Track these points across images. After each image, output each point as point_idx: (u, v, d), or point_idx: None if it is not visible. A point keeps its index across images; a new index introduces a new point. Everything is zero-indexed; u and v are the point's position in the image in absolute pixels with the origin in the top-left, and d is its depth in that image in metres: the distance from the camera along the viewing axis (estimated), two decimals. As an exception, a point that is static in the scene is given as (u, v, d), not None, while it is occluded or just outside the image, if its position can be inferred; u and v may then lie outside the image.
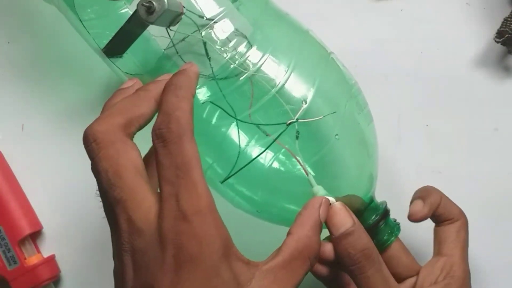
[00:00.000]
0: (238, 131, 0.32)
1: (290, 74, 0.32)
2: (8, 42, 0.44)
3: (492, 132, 0.43)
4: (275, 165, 0.32)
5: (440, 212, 0.35)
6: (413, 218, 0.35)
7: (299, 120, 0.31)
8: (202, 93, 0.33)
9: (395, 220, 0.36)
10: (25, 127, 0.43)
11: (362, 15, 0.45)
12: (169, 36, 0.33)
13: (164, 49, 0.34)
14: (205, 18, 0.33)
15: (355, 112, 0.34)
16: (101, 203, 0.31)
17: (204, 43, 0.33)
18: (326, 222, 0.31)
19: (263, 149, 0.31)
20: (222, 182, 0.33)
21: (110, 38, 0.33)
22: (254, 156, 0.31)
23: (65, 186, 0.42)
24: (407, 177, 0.43)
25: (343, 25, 0.45)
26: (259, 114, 0.32)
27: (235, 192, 0.34)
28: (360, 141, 0.35)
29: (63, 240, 0.42)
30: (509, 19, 0.41)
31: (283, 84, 0.32)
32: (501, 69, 0.44)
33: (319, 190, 0.31)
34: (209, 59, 0.32)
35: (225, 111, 0.32)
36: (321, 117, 0.32)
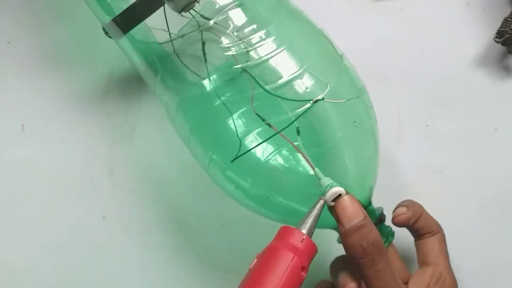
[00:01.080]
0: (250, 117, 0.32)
1: (311, 66, 0.33)
2: (8, 42, 0.44)
3: (492, 132, 0.43)
4: (279, 159, 0.32)
5: (420, 225, 0.36)
6: (397, 219, 0.36)
7: (325, 99, 0.32)
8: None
9: (389, 227, 0.36)
10: (25, 127, 0.43)
11: (362, 15, 0.45)
12: (169, 31, 0.33)
13: (174, 38, 0.34)
14: (217, 5, 0.33)
15: (368, 109, 0.35)
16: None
17: (203, 43, 0.33)
18: (337, 214, 0.31)
19: (270, 135, 0.32)
20: (232, 161, 0.32)
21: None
22: (263, 140, 0.32)
23: (65, 186, 0.42)
24: (407, 177, 0.43)
25: (343, 25, 0.45)
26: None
27: (239, 187, 0.34)
28: (372, 135, 0.35)
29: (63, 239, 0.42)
30: (509, 19, 0.41)
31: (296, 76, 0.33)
32: (501, 69, 0.44)
33: (328, 180, 0.30)
34: (220, 46, 0.33)
35: (255, 81, 0.32)
36: (344, 100, 0.33)
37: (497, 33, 0.42)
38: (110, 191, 0.42)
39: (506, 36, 0.41)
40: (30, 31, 0.44)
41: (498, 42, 0.42)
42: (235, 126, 0.32)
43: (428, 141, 0.43)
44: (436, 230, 0.36)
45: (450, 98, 0.44)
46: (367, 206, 0.35)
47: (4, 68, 0.44)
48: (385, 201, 0.42)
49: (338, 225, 0.31)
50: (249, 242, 0.41)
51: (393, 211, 0.36)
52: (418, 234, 0.36)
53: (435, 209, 0.42)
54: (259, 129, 0.32)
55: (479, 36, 0.44)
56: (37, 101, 0.43)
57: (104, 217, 0.42)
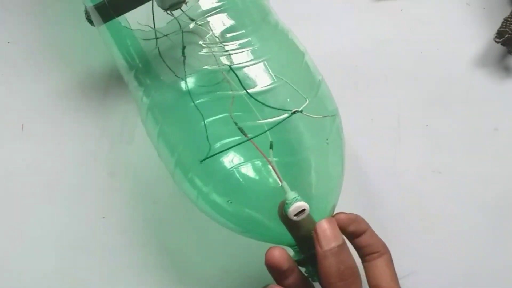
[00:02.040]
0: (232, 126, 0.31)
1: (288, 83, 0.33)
2: (8, 42, 0.44)
3: (492, 132, 0.43)
4: (249, 169, 0.32)
5: (365, 242, 0.34)
6: (336, 216, 0.34)
7: (303, 112, 0.32)
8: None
9: None
10: (25, 127, 0.43)
11: (362, 15, 0.45)
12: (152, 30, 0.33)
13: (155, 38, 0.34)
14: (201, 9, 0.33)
15: (340, 131, 0.35)
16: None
17: (184, 47, 0.33)
18: (317, 235, 0.30)
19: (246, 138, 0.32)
20: (201, 162, 0.32)
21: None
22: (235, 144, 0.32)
23: (65, 187, 0.42)
24: (407, 177, 0.43)
25: (343, 25, 0.45)
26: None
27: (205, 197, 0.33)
28: (341, 156, 0.35)
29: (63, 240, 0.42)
30: (509, 19, 0.41)
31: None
32: (501, 69, 0.44)
33: (293, 194, 0.30)
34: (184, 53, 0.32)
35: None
36: (321, 116, 0.33)
37: (497, 33, 0.42)
38: (110, 191, 0.42)
39: (506, 36, 0.41)
40: (30, 31, 0.44)
41: (498, 42, 0.42)
42: (205, 128, 0.32)
43: (428, 141, 0.43)
44: (383, 250, 0.34)
45: (450, 98, 0.44)
46: None
47: (5, 68, 0.44)
48: (386, 202, 0.42)
49: (316, 246, 0.31)
50: (249, 242, 0.41)
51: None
52: (363, 253, 0.34)
53: (435, 210, 0.42)
54: (232, 138, 0.32)
55: (479, 36, 0.44)
56: (37, 101, 0.43)
57: (104, 217, 0.42)
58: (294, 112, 0.32)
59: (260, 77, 0.33)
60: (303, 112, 0.32)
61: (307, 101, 0.32)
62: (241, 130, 0.31)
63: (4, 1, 0.45)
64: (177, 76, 0.33)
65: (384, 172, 0.43)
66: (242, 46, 0.33)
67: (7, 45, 0.44)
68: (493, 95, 0.44)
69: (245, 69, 0.33)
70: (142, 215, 0.42)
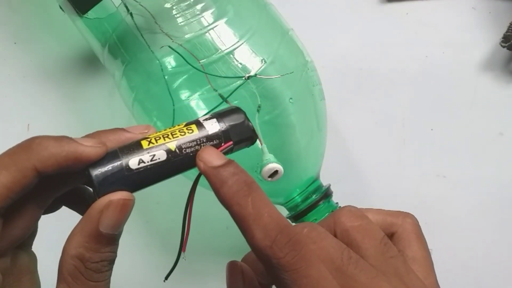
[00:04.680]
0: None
1: (250, 38, 0.33)
2: (15, 43, 0.44)
3: (497, 137, 0.43)
4: None
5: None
6: None
7: (257, 76, 0.31)
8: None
9: (336, 203, 0.35)
10: (30, 127, 0.43)
11: (368, 18, 0.45)
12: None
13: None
14: None
15: (310, 84, 0.34)
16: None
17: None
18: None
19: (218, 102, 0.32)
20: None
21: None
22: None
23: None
24: (411, 181, 0.43)
25: (348, 28, 0.45)
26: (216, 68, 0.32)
27: None
28: (312, 111, 0.35)
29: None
30: (515, 24, 0.41)
31: (240, 45, 0.32)
32: (506, 74, 0.44)
33: (268, 155, 0.30)
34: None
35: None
36: (279, 76, 0.32)
37: (503, 38, 0.42)
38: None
39: (512, 40, 0.41)
40: (37, 31, 0.44)
41: (504, 47, 0.42)
42: (169, 91, 0.32)
43: (433, 145, 0.43)
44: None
45: (455, 102, 0.44)
46: (313, 180, 0.34)
47: (11, 68, 0.44)
48: (390, 206, 0.42)
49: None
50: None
51: None
52: None
53: (439, 214, 0.42)
54: (201, 92, 0.32)
55: (485, 40, 0.44)
56: (43, 102, 0.44)
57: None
58: (249, 77, 0.31)
59: (222, 40, 0.32)
60: (257, 75, 0.31)
61: (264, 63, 0.32)
62: (221, 95, 0.31)
63: (11, 1, 0.45)
64: (151, 50, 0.33)
65: (388, 176, 0.43)
66: (202, 10, 0.33)
67: (13, 46, 0.44)
68: (498, 100, 0.44)
69: (210, 32, 0.32)
70: (144, 216, 0.42)
